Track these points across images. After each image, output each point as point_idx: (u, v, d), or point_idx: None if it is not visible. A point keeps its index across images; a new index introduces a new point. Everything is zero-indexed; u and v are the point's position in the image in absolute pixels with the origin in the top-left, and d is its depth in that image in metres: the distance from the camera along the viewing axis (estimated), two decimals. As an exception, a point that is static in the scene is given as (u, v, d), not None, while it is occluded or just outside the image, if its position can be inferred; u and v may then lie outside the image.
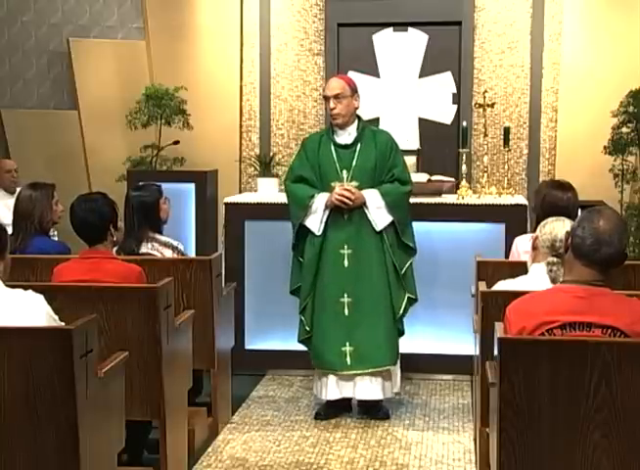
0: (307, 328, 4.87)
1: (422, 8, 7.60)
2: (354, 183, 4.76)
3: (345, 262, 4.78)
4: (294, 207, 4.91)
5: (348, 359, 4.77)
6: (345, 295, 4.78)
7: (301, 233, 4.89)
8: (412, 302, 4.90)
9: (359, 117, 4.90)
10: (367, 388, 4.82)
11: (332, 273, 4.79)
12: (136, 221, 4.57)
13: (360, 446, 4.49)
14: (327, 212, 4.79)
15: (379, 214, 4.76)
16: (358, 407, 4.97)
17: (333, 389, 4.86)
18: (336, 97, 4.78)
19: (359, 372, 4.79)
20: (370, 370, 4.78)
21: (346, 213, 4.78)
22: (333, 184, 4.78)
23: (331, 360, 4.80)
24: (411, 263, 4.89)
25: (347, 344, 4.78)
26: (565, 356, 2.60)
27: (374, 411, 4.92)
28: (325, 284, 4.81)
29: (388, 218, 4.77)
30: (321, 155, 4.85)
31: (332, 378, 4.85)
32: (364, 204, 4.75)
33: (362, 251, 4.77)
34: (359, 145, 4.81)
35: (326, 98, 4.85)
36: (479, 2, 7.61)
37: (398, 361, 4.91)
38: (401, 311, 4.82)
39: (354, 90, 4.85)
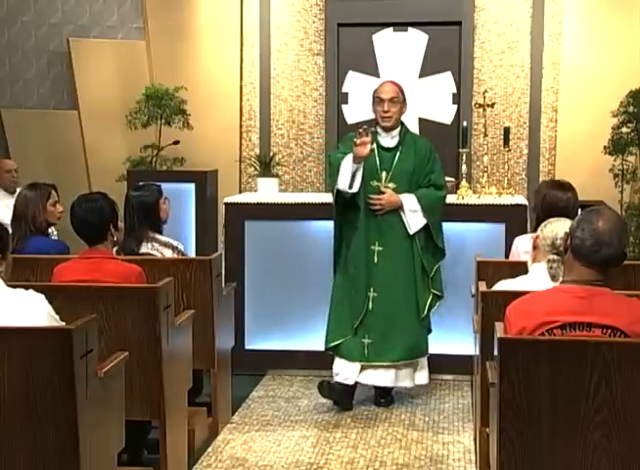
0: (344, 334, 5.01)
1: (422, 8, 7.60)
2: (392, 185, 4.98)
3: (375, 259, 4.98)
4: (332, 172, 5.00)
5: (366, 351, 4.97)
6: (372, 289, 4.98)
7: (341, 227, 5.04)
8: (438, 298, 5.11)
9: (402, 123, 5.08)
10: (378, 374, 5.03)
11: (362, 267, 4.96)
12: (136, 221, 4.56)
13: (360, 446, 4.49)
14: (359, 172, 4.84)
15: (414, 218, 4.96)
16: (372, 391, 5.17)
17: (345, 373, 5.02)
18: (391, 100, 4.98)
19: (375, 364, 5.00)
20: (386, 363, 4.99)
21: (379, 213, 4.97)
22: (372, 183, 4.95)
23: (350, 351, 4.99)
24: (439, 265, 5.10)
25: (367, 336, 4.97)
26: (565, 356, 2.60)
27: (379, 395, 5.11)
28: (354, 277, 5.00)
29: (422, 221, 4.98)
30: None
31: (346, 364, 5.02)
32: (400, 207, 4.94)
33: (392, 250, 4.98)
34: (400, 149, 5.03)
35: (380, 100, 4.99)
36: (479, 2, 7.61)
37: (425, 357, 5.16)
38: (426, 310, 5.03)
39: (405, 97, 5.07)
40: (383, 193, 4.96)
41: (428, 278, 5.02)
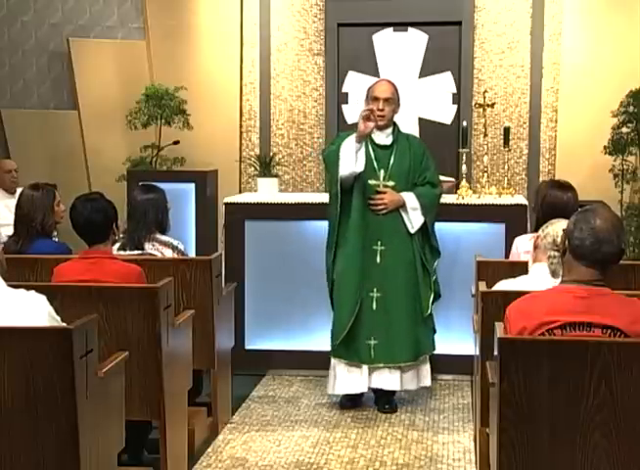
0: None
1: (422, 8, 7.60)
2: (390, 183, 4.98)
3: (378, 259, 4.96)
4: (331, 161, 4.93)
5: (372, 353, 4.96)
6: (375, 289, 4.97)
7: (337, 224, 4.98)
8: (437, 298, 5.13)
9: (394, 122, 5.09)
10: (384, 378, 4.98)
11: (365, 268, 4.93)
12: (147, 220, 4.54)
13: (360, 446, 4.49)
14: (361, 152, 4.82)
15: (414, 216, 4.97)
16: (373, 395, 5.13)
17: (353, 382, 5.00)
18: (386, 100, 4.97)
19: (380, 365, 4.97)
20: (390, 364, 4.96)
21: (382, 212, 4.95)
22: (370, 182, 4.93)
23: (357, 352, 4.97)
24: (436, 265, 5.10)
25: (372, 337, 4.96)
26: (565, 356, 2.60)
27: (383, 401, 5.05)
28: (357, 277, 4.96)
29: (422, 219, 4.97)
30: None
31: (354, 372, 4.98)
32: (402, 205, 4.94)
33: (393, 249, 4.97)
34: (395, 147, 5.02)
35: (375, 99, 4.97)
36: (479, 2, 7.61)
37: (427, 357, 5.12)
38: (429, 309, 5.01)
39: (399, 98, 5.08)
40: (382, 192, 4.95)
41: (429, 276, 5.01)
